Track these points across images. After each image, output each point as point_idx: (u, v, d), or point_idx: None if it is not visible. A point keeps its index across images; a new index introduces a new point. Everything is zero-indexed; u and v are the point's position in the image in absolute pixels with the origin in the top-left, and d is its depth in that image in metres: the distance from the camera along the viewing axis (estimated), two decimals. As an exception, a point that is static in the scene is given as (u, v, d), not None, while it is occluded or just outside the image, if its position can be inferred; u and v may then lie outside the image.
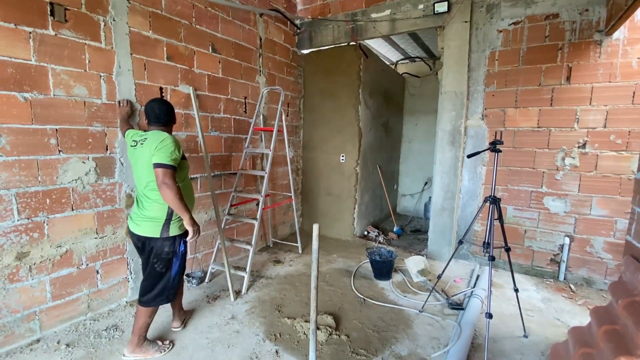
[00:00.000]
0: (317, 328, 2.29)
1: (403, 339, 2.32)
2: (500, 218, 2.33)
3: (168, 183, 1.82)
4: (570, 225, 3.18)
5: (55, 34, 2.13)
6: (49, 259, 2.21)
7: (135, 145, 1.99)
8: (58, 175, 2.20)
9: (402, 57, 6.00)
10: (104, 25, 2.36)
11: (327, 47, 4.43)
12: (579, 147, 3.07)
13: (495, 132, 2.52)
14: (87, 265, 2.41)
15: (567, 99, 3.09)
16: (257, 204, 3.38)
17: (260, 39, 3.83)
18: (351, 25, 4.08)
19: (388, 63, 6.05)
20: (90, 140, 2.35)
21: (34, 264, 2.14)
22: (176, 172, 1.92)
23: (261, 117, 3.88)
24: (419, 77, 5.90)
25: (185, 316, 2.45)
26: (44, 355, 2.04)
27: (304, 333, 2.33)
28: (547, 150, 3.21)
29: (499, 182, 3.42)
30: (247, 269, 2.99)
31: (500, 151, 2.29)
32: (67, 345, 2.14)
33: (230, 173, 3.55)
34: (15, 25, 1.96)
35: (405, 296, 2.92)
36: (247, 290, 2.96)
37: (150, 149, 1.86)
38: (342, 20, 4.13)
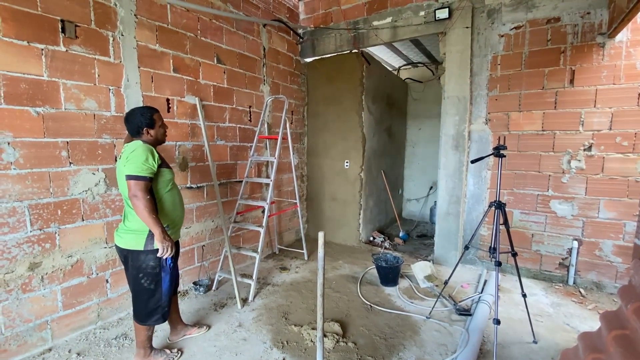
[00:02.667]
0: (324, 335, 2.29)
1: (410, 345, 2.31)
2: (505, 223, 2.32)
3: (138, 195, 1.75)
4: (578, 228, 3.15)
5: (66, 50, 2.20)
6: (60, 269, 2.25)
7: (119, 158, 1.92)
8: (69, 186, 2.26)
9: (405, 62, 6.04)
10: (113, 40, 2.43)
11: (329, 55, 4.48)
12: (584, 150, 3.06)
13: (499, 137, 2.52)
14: (97, 274, 2.45)
15: (571, 101, 3.08)
16: (263, 211, 3.41)
17: (264, 48, 3.90)
18: (353, 33, 4.13)
19: (390, 69, 6.09)
20: (99, 151, 2.40)
21: (46, 273, 2.19)
22: (152, 182, 1.85)
23: (266, 125, 3.92)
24: (422, 82, 5.93)
25: (186, 331, 2.38)
26: (56, 364, 2.08)
27: (311, 340, 2.33)
28: (553, 153, 3.20)
29: (504, 185, 3.41)
30: (254, 277, 3.00)
31: (504, 156, 2.29)
32: (78, 354, 2.17)
33: (236, 181, 3.59)
34: (28, 42, 2.03)
35: (412, 302, 2.91)
36: (254, 297, 2.97)
37: (124, 160, 1.81)
38: (344, 29, 4.18)
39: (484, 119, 3.49)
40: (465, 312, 2.67)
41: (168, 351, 2.15)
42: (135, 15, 2.56)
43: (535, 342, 2.32)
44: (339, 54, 4.41)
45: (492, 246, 2.30)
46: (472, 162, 2.46)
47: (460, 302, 2.86)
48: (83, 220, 2.35)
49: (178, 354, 2.17)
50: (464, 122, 3.55)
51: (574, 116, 3.08)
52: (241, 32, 3.55)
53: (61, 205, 2.23)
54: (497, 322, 2.04)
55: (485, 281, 3.22)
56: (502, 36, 3.33)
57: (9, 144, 1.99)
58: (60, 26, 2.16)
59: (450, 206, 3.72)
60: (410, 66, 6.18)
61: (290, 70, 4.38)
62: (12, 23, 1.96)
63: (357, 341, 2.35)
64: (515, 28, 3.26)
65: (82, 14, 2.26)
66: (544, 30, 3.14)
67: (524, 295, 2.34)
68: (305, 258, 3.99)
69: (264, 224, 3.13)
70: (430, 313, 2.66)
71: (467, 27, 3.43)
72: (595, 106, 2.99)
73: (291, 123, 4.43)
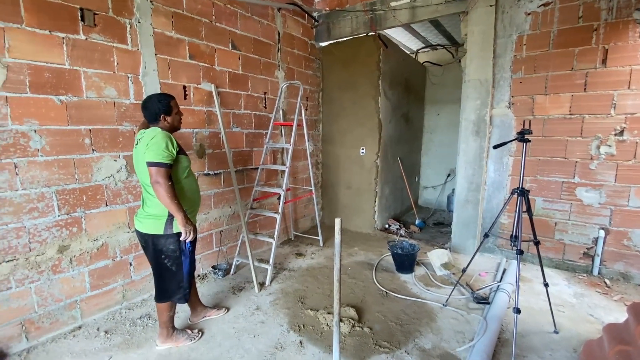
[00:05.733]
0: (340, 320, 2.32)
1: (427, 332, 2.30)
2: (528, 210, 2.24)
3: (160, 181, 1.78)
4: (605, 217, 3.02)
5: (86, 39, 2.23)
6: (87, 252, 2.35)
7: (136, 144, 1.95)
8: (92, 173, 2.33)
9: (423, 45, 5.84)
10: (130, 27, 2.45)
11: (345, 39, 4.37)
12: (615, 135, 2.89)
13: (524, 121, 2.42)
14: (121, 257, 2.55)
15: (602, 83, 2.90)
16: (279, 198, 3.43)
17: (279, 33, 3.84)
18: (370, 15, 4.01)
19: (408, 52, 5.90)
20: (120, 139, 2.46)
21: (74, 256, 2.29)
22: (172, 168, 1.88)
23: (281, 112, 3.91)
24: (441, 66, 5.72)
25: (206, 313, 2.46)
26: (86, 342, 2.20)
27: (327, 325, 2.36)
28: (580, 138, 3.05)
29: (527, 172, 3.29)
30: (271, 262, 3.05)
31: (529, 141, 2.19)
32: (106, 332, 2.29)
33: (252, 168, 3.61)
34: (49, 31, 2.07)
35: (428, 290, 2.90)
36: (271, 282, 3.03)
37: (143, 147, 1.83)
38: (361, 11, 4.06)
39: (506, 102, 3.34)
40: (483, 301, 2.63)
41: (189, 331, 2.24)
42: (151, 1, 2.55)
43: (556, 332, 2.27)
44: (355, 37, 4.29)
45: (514, 234, 2.23)
46: (495, 147, 2.37)
47: (478, 290, 2.82)
48: (107, 205, 2.43)
49: (199, 334, 2.25)
50: (486, 107, 3.42)
51: (606, 99, 2.90)
52: (256, 17, 3.50)
53: (86, 191, 2.31)
54: (517, 311, 2.00)
55: (505, 270, 3.15)
56: (529, 14, 3.14)
57: (35, 131, 2.06)
58: (79, 14, 2.18)
59: (469, 193, 3.63)
60: (429, 49, 5.97)
61: (305, 55, 4.32)
62: (34, 13, 2.00)
63: (373, 326, 2.36)
64: (544, 5, 3.07)
65: (100, 2, 2.28)
66: (576, 7, 2.94)
67: (546, 285, 2.28)
68: (321, 244, 4.02)
69: (280, 211, 3.15)
70: (447, 301, 2.64)
71: (490, 6, 3.26)
72: (629, 88, 2.80)
73: (306, 109, 4.39)
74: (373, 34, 4.09)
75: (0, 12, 1.88)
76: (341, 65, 4.43)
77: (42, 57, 2.05)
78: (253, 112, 3.58)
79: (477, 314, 2.49)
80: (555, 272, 3.21)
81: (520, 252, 2.12)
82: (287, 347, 2.15)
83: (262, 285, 2.98)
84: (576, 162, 3.09)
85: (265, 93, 3.71)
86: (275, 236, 3.10)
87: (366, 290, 2.90)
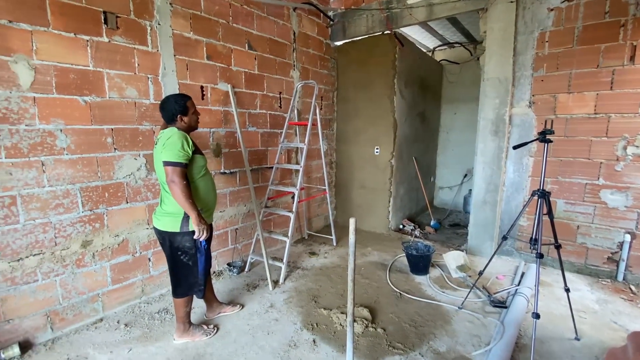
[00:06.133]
0: (354, 320, 2.31)
1: (441, 335, 2.27)
2: (550, 213, 2.18)
3: (175, 180, 1.82)
4: (631, 220, 2.89)
5: (109, 41, 2.30)
6: (109, 247, 2.44)
7: (156, 144, 2.00)
8: (114, 170, 2.41)
9: (440, 43, 5.73)
10: (150, 29, 2.51)
11: (360, 38, 4.35)
12: (644, 135, 2.77)
13: (545, 121, 2.35)
14: (141, 253, 2.63)
15: (630, 81, 2.78)
16: (293, 197, 3.45)
17: (294, 33, 3.86)
18: (386, 13, 3.97)
19: (425, 50, 5.81)
20: (140, 138, 2.53)
21: (97, 251, 2.37)
22: (187, 167, 1.92)
23: (295, 111, 3.92)
24: (459, 64, 5.62)
25: (221, 309, 2.50)
26: (107, 333, 2.28)
27: (340, 324, 2.36)
28: (606, 138, 2.93)
29: (548, 173, 3.19)
30: (284, 260, 3.08)
31: (551, 141, 2.12)
32: (126, 325, 2.36)
33: (267, 167, 3.65)
34: (74, 34, 2.15)
35: (443, 292, 2.85)
36: (284, 280, 3.06)
37: (160, 146, 1.89)
38: (377, 9, 4.02)
39: (527, 101, 3.25)
40: (501, 305, 2.57)
41: (205, 327, 2.29)
42: (170, 3, 2.61)
43: (577, 338, 2.20)
44: (371, 35, 4.26)
45: (533, 237, 2.17)
46: (515, 147, 2.31)
47: (495, 293, 2.76)
48: (127, 202, 2.51)
49: (214, 329, 2.30)
50: (505, 106, 3.33)
51: (634, 97, 2.78)
52: (272, 17, 3.53)
53: (108, 189, 2.39)
54: (537, 315, 1.95)
55: (523, 273, 3.07)
56: (552, 10, 3.04)
57: (61, 131, 2.14)
58: (102, 17, 2.26)
59: (487, 194, 3.55)
60: (446, 47, 5.86)
61: (320, 55, 4.32)
62: (60, 16, 2.08)
63: (387, 327, 2.35)
64: (568, 0, 2.96)
65: (122, 5, 2.35)
66: (602, 2, 2.83)
67: (567, 290, 2.21)
68: (334, 244, 4.02)
69: (294, 210, 3.17)
70: (462, 303, 2.60)
71: (511, 2, 3.17)
72: (659, 85, 2.67)
73: (321, 109, 4.39)
74: (389, 32, 4.05)
75: (28, 15, 1.96)
76: (356, 64, 4.41)
77: (67, 59, 2.13)
78: (268, 112, 3.61)
79: (494, 318, 2.44)
80: (577, 277, 3.11)
81: (540, 256, 2.06)
82: (300, 345, 2.17)
83: (276, 283, 3.01)
84: (601, 163, 2.97)
85: (280, 93, 3.74)
86: (289, 235, 3.13)
87: (380, 291, 2.88)
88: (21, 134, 1.99)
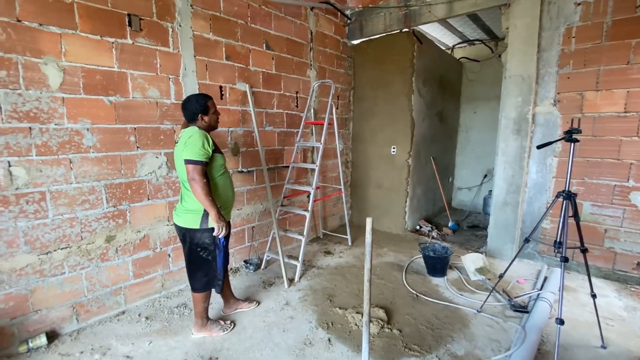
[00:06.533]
0: (369, 320, 2.30)
1: (459, 338, 2.23)
2: (575, 215, 2.09)
3: (196, 178, 1.87)
4: (665, 224, 2.75)
5: (133, 43, 2.38)
6: (131, 242, 2.52)
7: (177, 142, 2.05)
8: (137, 168, 2.49)
9: (460, 40, 5.61)
10: (172, 31, 2.57)
11: (378, 36, 4.31)
12: (679, 134, 2.62)
13: (572, 119, 2.26)
14: (161, 249, 2.70)
15: (665, 77, 2.64)
16: (308, 196, 3.46)
17: (311, 32, 3.86)
18: (404, 11, 3.91)
19: (444, 48, 5.70)
20: (162, 137, 2.60)
21: (119, 246, 2.46)
22: (207, 166, 1.97)
23: (312, 110, 3.93)
24: (479, 62, 5.47)
25: (238, 305, 2.54)
26: (129, 326, 2.35)
27: (356, 324, 2.35)
28: (637, 138, 2.79)
29: (574, 174, 3.06)
30: (300, 259, 3.09)
31: (578, 141, 2.04)
32: (147, 318, 2.44)
33: (283, 166, 3.67)
34: (100, 36, 2.23)
35: (461, 294, 2.79)
36: (300, 278, 3.07)
37: (181, 145, 1.93)
38: (395, 7, 3.98)
39: (552, 100, 3.13)
40: (522, 309, 2.50)
41: (222, 322, 2.33)
42: (191, 5, 2.67)
43: (604, 347, 2.10)
44: (388, 34, 4.22)
45: (558, 240, 2.10)
46: (539, 147, 2.23)
47: (515, 297, 2.68)
48: (149, 199, 2.58)
49: (231, 325, 2.34)
50: (528, 104, 3.22)
51: (668, 95, 2.63)
52: (289, 17, 3.55)
53: (131, 186, 2.47)
54: (561, 321, 1.88)
55: (546, 278, 2.97)
56: (579, 4, 2.92)
57: (88, 129, 2.23)
58: (127, 20, 2.33)
59: (508, 196, 3.45)
60: (465, 44, 5.73)
61: (337, 54, 4.31)
62: (87, 19, 2.16)
63: (403, 329, 2.32)
64: (597, -6, 2.84)
65: (145, 8, 2.42)
66: (634, -6, 2.69)
67: (594, 296, 2.12)
68: (349, 244, 4.01)
69: (309, 209, 3.18)
70: (481, 307, 2.53)
71: (536, -3, 3.07)
72: (697, 82, 2.52)
73: (337, 108, 4.38)
74: (407, 30, 3.99)
75: (57, 18, 2.05)
76: (373, 63, 4.38)
77: (94, 60, 2.21)
78: (285, 111, 3.64)
79: (515, 323, 2.37)
80: (604, 282, 2.97)
81: (565, 259, 1.99)
82: (315, 343, 2.17)
83: (291, 281, 3.03)
84: (631, 164, 2.83)
85: (297, 92, 3.76)
86: (304, 233, 3.14)
87: (395, 292, 2.85)
88: (51, 133, 2.08)
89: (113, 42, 2.29)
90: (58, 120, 2.10)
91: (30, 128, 2.01)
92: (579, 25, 2.94)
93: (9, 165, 1.95)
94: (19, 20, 1.92)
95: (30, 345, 2.06)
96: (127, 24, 2.33)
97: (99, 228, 2.34)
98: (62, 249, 2.19)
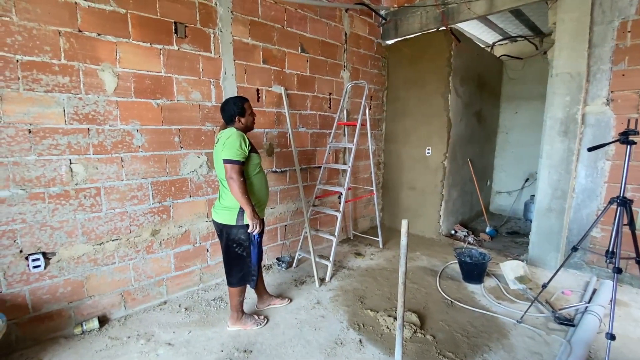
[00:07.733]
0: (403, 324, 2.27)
1: (497, 348, 2.13)
2: (631, 223, 1.93)
3: (233, 177, 1.96)
4: None
5: (178, 49, 2.53)
6: (173, 237, 2.67)
7: (216, 143, 2.14)
8: (180, 167, 2.64)
9: (501, 37, 5.36)
10: (213, 36, 2.70)
11: (413, 35, 4.23)
12: None
13: (629, 120, 2.09)
14: (200, 244, 2.84)
15: None
16: (339, 197, 3.47)
17: (346, 34, 3.88)
18: (442, 9, 3.81)
19: (483, 46, 5.47)
20: (203, 138, 2.74)
21: (163, 239, 2.62)
22: (244, 165, 2.05)
23: (345, 112, 3.94)
24: (521, 59, 5.19)
25: (271, 301, 2.62)
26: (170, 315, 2.50)
27: (387, 327, 2.33)
28: None
29: (629, 179, 2.81)
30: (331, 259, 3.11)
31: (635, 143, 1.89)
32: (186, 309, 2.57)
33: (315, 167, 3.72)
34: (150, 44, 2.39)
35: (499, 303, 2.67)
36: (331, 278, 3.09)
37: (220, 145, 2.03)
38: (432, 5, 3.88)
39: (604, 99, 2.91)
40: (567, 322, 2.34)
41: (256, 317, 2.40)
42: (231, 12, 2.79)
43: (663, 368, 1.92)
44: (424, 33, 4.12)
45: (610, 250, 1.95)
46: (590, 149, 2.09)
47: (560, 309, 2.52)
48: (190, 196, 2.73)
49: (265, 320, 2.41)
50: (577, 103, 3.02)
51: None
52: (324, 20, 3.59)
53: (174, 183, 2.63)
54: (612, 337, 1.75)
55: (595, 290, 2.76)
56: (638, -5, 2.69)
57: (137, 130, 2.40)
58: (173, 28, 2.49)
59: (552, 201, 3.25)
60: (507, 41, 5.46)
61: (371, 55, 4.28)
62: (139, 28, 2.33)
63: (436, 335, 2.27)
64: (660, -17, 2.60)
65: (190, 15, 2.56)
66: None
67: (652, 312, 1.94)
68: (380, 246, 3.97)
69: (341, 209, 3.19)
70: (522, 317, 2.41)
71: (587, -11, 2.87)
72: None
73: (370, 109, 4.36)
74: (444, 28, 3.89)
75: (114, 28, 2.23)
76: (408, 63, 4.31)
77: (144, 66, 2.38)
78: (318, 113, 3.68)
79: (559, 336, 2.23)
80: (664, 298, 2.71)
81: (618, 271, 1.85)
82: (346, 343, 2.18)
83: (322, 280, 3.06)
84: (699, 169, 2.56)
85: (330, 94, 3.79)
86: (335, 234, 3.16)
87: (429, 297, 2.79)
88: (106, 133, 2.27)
89: (161, 49, 2.45)
90: (112, 122, 2.29)
91: (88, 129, 2.20)
92: (636, 19, 2.71)
93: (70, 163, 2.15)
94: (80, 31, 2.11)
95: (85, 327, 2.26)
96: (173, 31, 2.49)
97: (145, 222, 2.51)
98: (113, 240, 2.38)
